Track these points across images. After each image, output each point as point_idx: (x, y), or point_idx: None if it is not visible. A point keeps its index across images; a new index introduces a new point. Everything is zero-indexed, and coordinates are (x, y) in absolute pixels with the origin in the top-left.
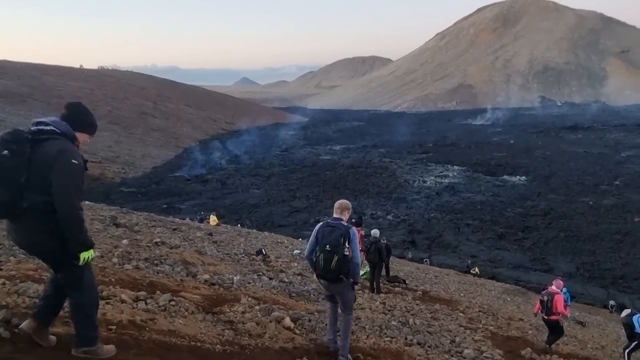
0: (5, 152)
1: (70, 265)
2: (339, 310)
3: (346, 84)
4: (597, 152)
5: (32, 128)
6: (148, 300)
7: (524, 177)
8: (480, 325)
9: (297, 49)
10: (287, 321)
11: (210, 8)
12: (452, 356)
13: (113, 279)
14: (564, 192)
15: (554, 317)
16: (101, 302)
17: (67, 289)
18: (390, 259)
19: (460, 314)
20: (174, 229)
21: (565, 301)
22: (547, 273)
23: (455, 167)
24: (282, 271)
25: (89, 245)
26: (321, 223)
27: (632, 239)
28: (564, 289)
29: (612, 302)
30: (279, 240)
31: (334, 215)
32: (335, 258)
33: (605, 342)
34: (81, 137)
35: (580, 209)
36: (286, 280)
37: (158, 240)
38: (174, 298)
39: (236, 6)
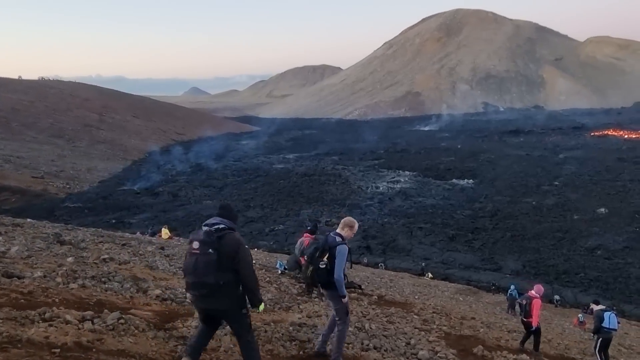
0: (210, 250)
1: (242, 318)
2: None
3: (297, 92)
4: (537, 154)
5: (213, 228)
6: (95, 320)
7: (471, 180)
8: (435, 326)
9: (247, 58)
10: None
11: (158, 17)
12: (407, 358)
13: (57, 300)
14: (509, 193)
15: (530, 319)
16: (43, 325)
17: (242, 333)
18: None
19: (415, 316)
20: (123, 244)
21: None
22: (496, 272)
23: (406, 172)
24: None
25: (262, 301)
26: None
27: (572, 235)
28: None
29: (557, 297)
30: None
31: (336, 230)
32: (310, 268)
33: (551, 335)
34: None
35: (524, 209)
36: None
37: (106, 256)
38: (123, 316)
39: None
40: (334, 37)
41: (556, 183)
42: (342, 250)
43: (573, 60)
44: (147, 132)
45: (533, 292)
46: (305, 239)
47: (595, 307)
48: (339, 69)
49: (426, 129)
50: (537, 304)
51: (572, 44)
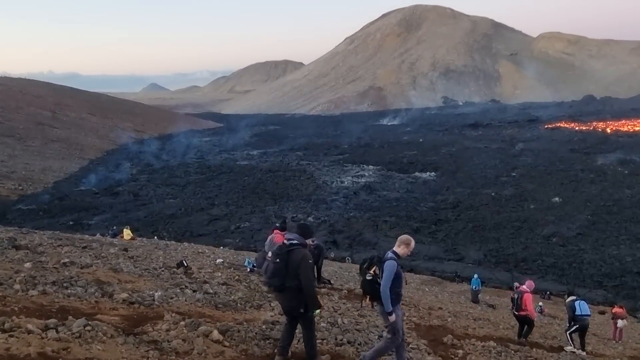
0: (278, 260)
1: (306, 316)
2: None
3: (260, 88)
4: (495, 147)
5: (287, 242)
6: (59, 328)
7: (433, 173)
8: (404, 318)
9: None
10: (216, 334)
11: (113, 11)
12: None
13: (16, 308)
14: (469, 185)
15: (522, 313)
16: (3, 335)
17: (305, 329)
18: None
19: None
20: (84, 247)
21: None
22: (459, 262)
23: (370, 166)
24: (205, 282)
25: (319, 306)
26: None
27: (529, 224)
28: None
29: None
30: (200, 250)
31: (394, 248)
32: (361, 279)
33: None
34: (308, 240)
35: (485, 200)
36: (211, 291)
37: (66, 260)
38: (89, 322)
39: (141, 9)
40: (295, 32)
41: (514, 174)
42: (389, 266)
43: (527, 55)
44: (105, 130)
45: (524, 286)
46: (276, 235)
47: (568, 299)
48: (301, 64)
49: (389, 123)
50: (528, 298)
51: (526, 40)
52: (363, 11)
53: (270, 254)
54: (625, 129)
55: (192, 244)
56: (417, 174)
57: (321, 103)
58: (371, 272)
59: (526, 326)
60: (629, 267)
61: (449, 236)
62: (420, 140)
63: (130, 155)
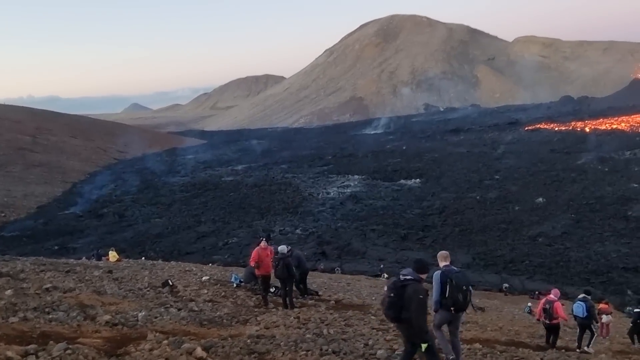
0: (392, 294)
1: (418, 345)
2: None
3: (242, 103)
4: (478, 151)
5: (402, 278)
6: (40, 353)
7: (418, 179)
8: (391, 325)
9: (189, 71)
10: (199, 351)
11: (91, 33)
12: (366, 359)
13: None
14: (454, 190)
15: (555, 322)
16: None
17: (426, 356)
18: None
19: (373, 317)
20: (67, 271)
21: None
22: (414, 273)
23: (355, 176)
24: (191, 300)
25: (427, 340)
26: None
27: (515, 226)
28: None
29: (505, 285)
30: (187, 269)
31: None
32: None
33: (502, 323)
34: (423, 275)
35: (470, 204)
36: (196, 308)
37: (49, 285)
38: (70, 346)
39: (119, 30)
40: (274, 46)
41: (497, 177)
42: (434, 277)
43: (503, 60)
44: (87, 153)
45: (552, 296)
46: (261, 248)
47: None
48: (282, 77)
49: (371, 132)
50: (558, 306)
51: (502, 44)
52: (341, 23)
53: (385, 288)
54: (604, 127)
55: (180, 262)
56: (402, 181)
57: (303, 115)
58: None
59: (553, 334)
60: (615, 263)
61: (437, 241)
62: (404, 147)
63: (114, 176)
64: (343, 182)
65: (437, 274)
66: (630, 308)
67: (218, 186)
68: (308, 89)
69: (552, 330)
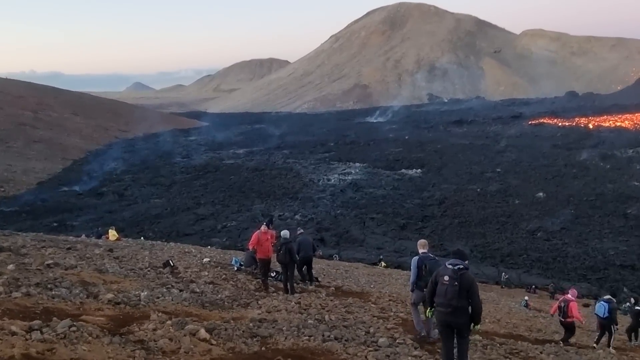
0: (456, 283)
1: (467, 329)
2: None
3: (245, 86)
4: (480, 143)
5: (456, 267)
6: (44, 329)
7: (419, 169)
8: (392, 314)
9: (193, 52)
10: (203, 333)
11: (96, 9)
12: (368, 347)
13: None
14: (455, 181)
15: (569, 320)
16: None
17: (464, 343)
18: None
19: (372, 305)
20: (68, 248)
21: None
22: (445, 258)
23: (356, 164)
24: (192, 281)
25: (480, 322)
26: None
27: (514, 219)
28: None
29: (505, 276)
30: (187, 250)
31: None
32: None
33: (499, 315)
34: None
35: (470, 196)
36: (197, 290)
37: (50, 262)
38: (74, 323)
39: (125, 7)
40: (280, 30)
41: (498, 170)
42: (412, 262)
43: (510, 53)
44: (88, 130)
45: (569, 295)
46: (262, 232)
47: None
48: (287, 62)
49: (374, 120)
50: (574, 306)
51: (509, 37)
52: (348, 9)
53: (445, 278)
54: (607, 124)
55: (179, 243)
56: (403, 170)
57: (307, 101)
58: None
59: (567, 332)
60: (612, 260)
61: (436, 232)
62: (406, 137)
63: (115, 155)
64: (344, 170)
65: (415, 259)
66: (629, 305)
67: (219, 169)
68: (312, 75)
69: (567, 328)
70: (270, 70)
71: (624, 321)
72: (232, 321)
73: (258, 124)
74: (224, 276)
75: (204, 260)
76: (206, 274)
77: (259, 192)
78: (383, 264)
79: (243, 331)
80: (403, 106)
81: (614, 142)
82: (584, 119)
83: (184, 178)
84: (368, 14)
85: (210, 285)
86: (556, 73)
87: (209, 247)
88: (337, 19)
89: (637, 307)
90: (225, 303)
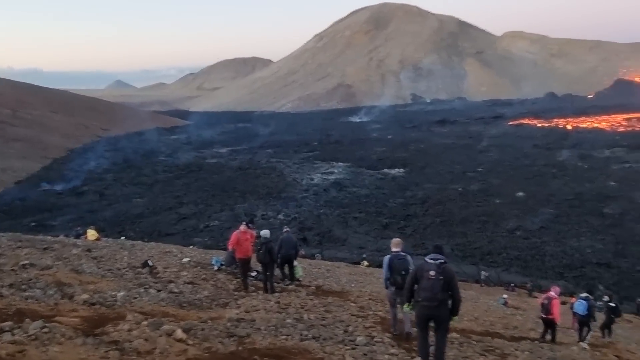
0: (441, 277)
1: (447, 322)
2: None
3: (229, 85)
4: (462, 143)
5: (437, 262)
6: (15, 331)
7: (402, 169)
8: (371, 312)
9: (175, 50)
10: (179, 333)
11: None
12: (345, 345)
13: None
14: (437, 180)
15: (550, 317)
16: None
17: (443, 336)
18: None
19: (352, 304)
20: (45, 248)
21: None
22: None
23: (340, 163)
24: (171, 281)
25: (458, 314)
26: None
27: (494, 218)
28: None
29: (485, 273)
30: (167, 250)
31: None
32: None
33: (477, 313)
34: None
35: (452, 195)
36: (176, 290)
37: (25, 262)
38: (47, 324)
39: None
40: (263, 28)
41: (480, 170)
42: (384, 260)
43: (492, 54)
44: (69, 128)
45: (552, 293)
46: (241, 232)
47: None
48: (270, 61)
49: (358, 120)
50: (556, 303)
51: (491, 39)
52: (332, 9)
53: (432, 272)
54: (585, 125)
55: (160, 243)
56: (386, 170)
57: (290, 100)
58: None
59: (548, 328)
60: (589, 258)
61: (418, 231)
62: (389, 137)
63: (96, 153)
64: (328, 169)
65: (386, 258)
66: (602, 303)
67: (201, 168)
68: (296, 74)
69: (549, 325)
70: (254, 69)
71: (598, 318)
72: (209, 321)
73: (242, 123)
74: (203, 276)
75: (184, 260)
76: (185, 274)
77: (242, 191)
78: (365, 263)
79: (220, 331)
80: (387, 106)
81: (592, 143)
82: (563, 120)
83: (167, 177)
84: (352, 13)
85: (189, 285)
86: (537, 74)
87: (191, 246)
88: (321, 18)
89: (610, 304)
90: (204, 303)
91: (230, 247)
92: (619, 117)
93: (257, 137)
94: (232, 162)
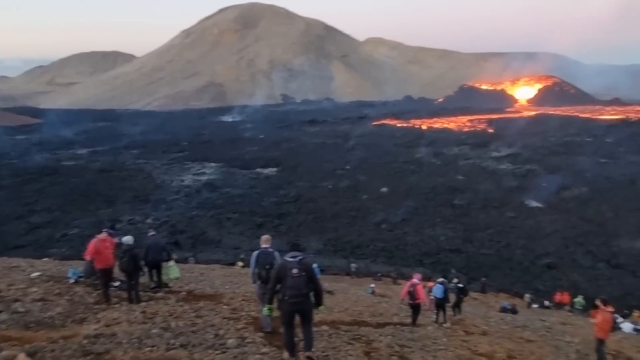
0: (304, 273)
1: (311, 315)
2: None
3: (86, 80)
4: (331, 142)
5: (297, 259)
6: None
7: (275, 168)
8: (243, 313)
9: (20, 39)
10: (22, 357)
11: None
12: (215, 350)
13: None
14: (309, 178)
15: (417, 301)
16: None
17: (310, 326)
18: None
19: (224, 307)
20: None
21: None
22: (302, 253)
23: (212, 163)
24: (16, 300)
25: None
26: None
27: (362, 213)
28: (315, 264)
29: (354, 265)
30: (14, 265)
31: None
32: None
33: (347, 304)
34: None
35: (323, 193)
36: (22, 309)
37: None
38: None
39: None
40: (125, 20)
41: (348, 167)
42: (252, 256)
43: (356, 58)
44: None
45: (415, 280)
46: (99, 239)
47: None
48: (133, 56)
49: (230, 120)
50: (420, 288)
51: (354, 43)
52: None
53: (294, 270)
54: (437, 125)
55: (5, 258)
56: (259, 169)
57: (157, 98)
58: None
59: (415, 313)
60: (443, 245)
61: (292, 229)
62: (262, 136)
63: None
64: (199, 170)
65: (254, 254)
66: (452, 284)
67: (57, 171)
68: (163, 71)
69: (416, 309)
70: (115, 64)
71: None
72: (61, 340)
73: (103, 121)
74: (57, 291)
75: (33, 275)
76: (35, 289)
77: (106, 195)
78: (240, 263)
79: (74, 350)
80: (259, 106)
81: (443, 142)
82: (419, 120)
83: (14, 182)
84: (220, 11)
85: (39, 303)
86: (396, 78)
87: (45, 259)
88: (188, 13)
89: (459, 285)
90: (56, 321)
91: (87, 257)
92: (464, 119)
93: (121, 137)
94: (94, 164)
